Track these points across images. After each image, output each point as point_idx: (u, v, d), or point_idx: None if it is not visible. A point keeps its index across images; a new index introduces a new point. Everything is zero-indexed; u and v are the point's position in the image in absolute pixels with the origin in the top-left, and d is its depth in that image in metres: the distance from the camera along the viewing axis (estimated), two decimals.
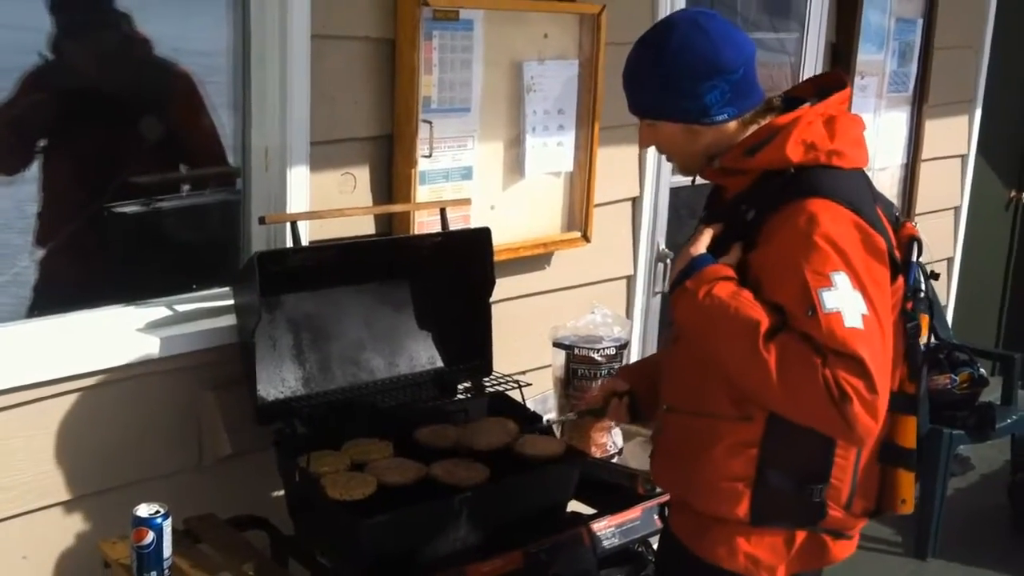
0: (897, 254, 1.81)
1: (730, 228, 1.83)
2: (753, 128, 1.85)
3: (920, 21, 4.19)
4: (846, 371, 1.66)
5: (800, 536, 1.87)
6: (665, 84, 1.84)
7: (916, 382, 1.87)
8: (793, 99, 1.89)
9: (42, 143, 2.32)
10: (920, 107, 4.27)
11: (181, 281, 2.33)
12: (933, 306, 2.03)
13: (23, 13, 2.17)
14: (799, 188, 1.76)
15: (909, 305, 1.84)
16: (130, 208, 2.33)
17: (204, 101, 2.47)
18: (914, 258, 1.85)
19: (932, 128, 4.35)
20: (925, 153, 4.36)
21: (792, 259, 1.72)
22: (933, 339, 3.63)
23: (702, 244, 1.83)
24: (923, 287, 1.88)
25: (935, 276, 1.99)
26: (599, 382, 2.43)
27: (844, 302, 1.68)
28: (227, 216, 2.41)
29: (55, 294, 2.23)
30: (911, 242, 1.86)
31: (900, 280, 1.81)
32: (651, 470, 2.06)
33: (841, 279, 1.69)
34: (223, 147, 2.47)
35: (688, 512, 1.93)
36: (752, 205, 1.80)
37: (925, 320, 1.90)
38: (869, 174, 1.93)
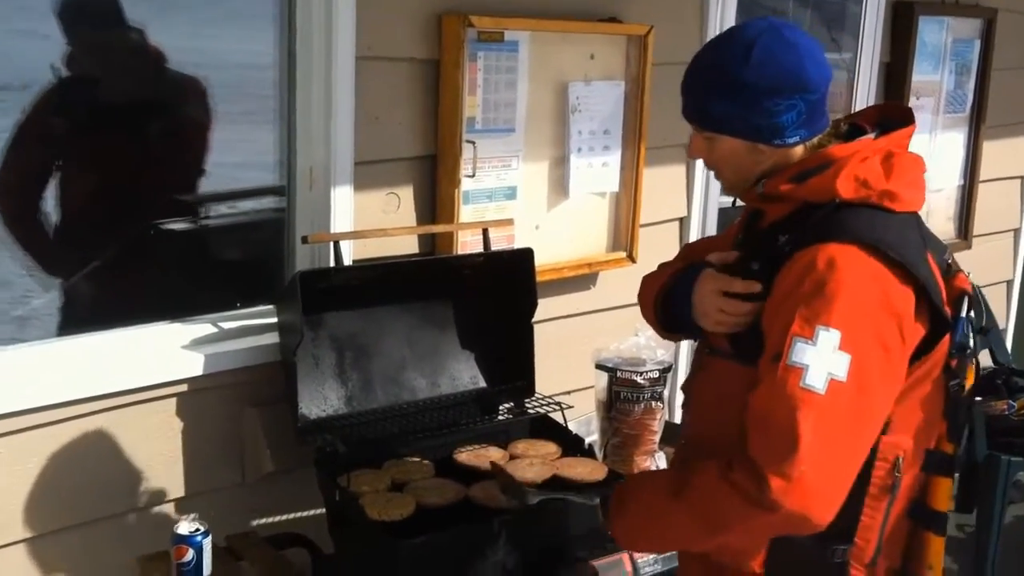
0: (947, 309, 1.65)
1: (762, 255, 1.71)
2: (808, 152, 1.71)
3: (978, 41, 4.11)
4: (764, 447, 1.53)
5: None
6: (740, 96, 1.66)
7: (955, 442, 1.73)
8: (856, 127, 1.76)
9: (60, 161, 2.34)
10: (978, 127, 4.18)
11: (225, 298, 2.36)
12: (991, 331, 1.91)
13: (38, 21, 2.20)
14: (838, 226, 1.62)
15: (954, 363, 1.68)
16: (176, 225, 2.36)
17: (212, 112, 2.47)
18: (963, 312, 1.68)
19: (990, 149, 4.26)
20: (983, 174, 4.27)
21: (792, 298, 1.60)
22: (992, 363, 3.55)
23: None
24: (970, 343, 1.70)
25: (984, 331, 1.79)
26: (641, 406, 2.40)
27: (816, 360, 1.53)
28: (272, 234, 2.43)
29: (99, 310, 2.26)
30: (961, 296, 1.69)
31: (946, 337, 1.66)
32: None
33: (827, 336, 1.54)
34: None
35: (702, 563, 1.81)
36: (789, 234, 1.67)
37: (971, 371, 1.75)
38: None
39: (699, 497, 1.62)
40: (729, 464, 1.57)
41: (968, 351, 1.70)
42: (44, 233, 2.33)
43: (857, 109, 3.69)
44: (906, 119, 1.76)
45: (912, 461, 1.71)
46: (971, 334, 1.71)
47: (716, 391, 1.77)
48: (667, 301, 1.90)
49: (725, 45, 1.72)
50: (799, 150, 1.71)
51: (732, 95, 1.67)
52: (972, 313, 1.70)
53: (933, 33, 3.89)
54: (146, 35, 2.32)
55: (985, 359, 1.85)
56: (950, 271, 1.73)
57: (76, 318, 2.18)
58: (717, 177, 1.84)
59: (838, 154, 1.68)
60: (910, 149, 1.76)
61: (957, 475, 1.83)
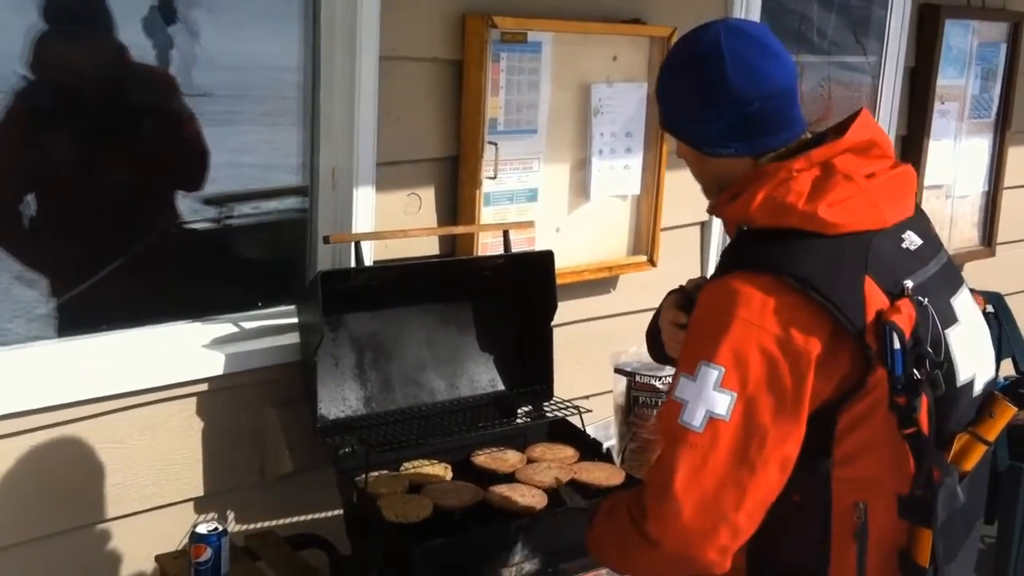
0: (870, 342, 1.48)
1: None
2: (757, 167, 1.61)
3: (1004, 45, 4.07)
4: (650, 483, 1.51)
5: None
6: (673, 103, 1.66)
7: (931, 491, 1.53)
8: (821, 138, 1.64)
9: (37, 165, 2.30)
10: (1003, 133, 4.14)
11: (247, 298, 2.36)
12: (1010, 335, 1.81)
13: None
14: (749, 255, 1.55)
15: (902, 400, 1.49)
16: (199, 225, 2.36)
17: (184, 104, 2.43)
18: (895, 346, 1.47)
19: (1015, 155, 4.22)
20: (1008, 180, 4.22)
21: (691, 332, 1.56)
22: (1014, 372, 3.51)
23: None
24: (917, 376, 1.49)
25: (940, 365, 1.53)
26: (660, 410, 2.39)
27: (696, 396, 1.47)
28: (294, 235, 2.43)
29: (122, 309, 2.27)
30: (887, 329, 1.47)
31: (881, 372, 1.49)
32: None
33: (707, 372, 1.47)
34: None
35: None
36: (720, 265, 1.60)
37: (924, 405, 1.52)
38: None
39: (615, 522, 1.59)
40: (636, 494, 1.55)
41: (918, 382, 1.49)
42: (26, 236, 2.30)
43: (881, 115, 3.68)
44: (849, 126, 1.61)
45: (879, 506, 1.56)
46: (916, 366, 1.49)
47: None
48: (654, 332, 1.87)
49: (671, 51, 1.71)
50: (755, 167, 1.61)
51: (668, 101, 1.68)
52: (911, 343, 1.48)
53: (959, 37, 3.86)
54: (113, 29, 2.28)
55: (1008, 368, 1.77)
56: (900, 296, 1.51)
57: (99, 317, 2.18)
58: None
59: (764, 171, 1.58)
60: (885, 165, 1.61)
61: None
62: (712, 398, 1.47)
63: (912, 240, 1.60)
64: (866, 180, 1.56)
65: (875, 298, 1.49)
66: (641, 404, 2.42)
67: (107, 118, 2.33)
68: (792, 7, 3.49)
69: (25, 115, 2.18)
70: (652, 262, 2.92)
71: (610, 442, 2.51)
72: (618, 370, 2.47)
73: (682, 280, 3.16)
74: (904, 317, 1.48)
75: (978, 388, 1.62)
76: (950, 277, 1.65)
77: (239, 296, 2.35)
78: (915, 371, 1.48)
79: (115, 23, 2.27)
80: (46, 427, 2.02)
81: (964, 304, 1.64)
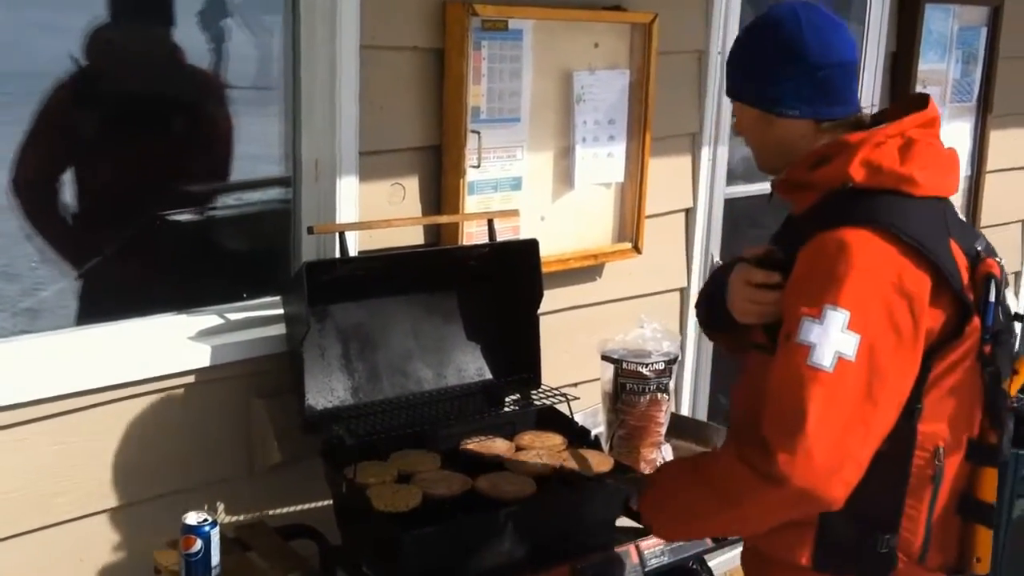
0: (969, 295, 1.67)
1: (787, 244, 1.76)
2: (828, 140, 1.77)
3: (984, 29, 4.09)
4: (774, 423, 1.58)
5: None
6: (747, 65, 1.83)
7: (999, 431, 1.73)
8: (879, 121, 1.80)
9: (77, 152, 2.33)
10: (984, 117, 4.17)
11: (232, 290, 2.35)
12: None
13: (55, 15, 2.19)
14: (852, 211, 1.67)
15: (987, 349, 1.69)
16: (183, 216, 2.35)
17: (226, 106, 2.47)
18: (992, 298, 1.68)
19: (997, 139, 4.25)
20: (990, 164, 4.25)
21: (805, 280, 1.65)
22: None
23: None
24: (1003, 329, 1.71)
25: (1019, 318, 1.82)
26: (647, 397, 2.39)
27: (824, 339, 1.58)
28: (278, 225, 2.42)
29: (107, 302, 2.26)
30: (988, 280, 1.69)
31: (975, 321, 1.67)
32: None
33: (834, 315, 1.58)
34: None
35: (755, 554, 1.88)
36: (811, 224, 1.71)
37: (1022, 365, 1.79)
38: None
39: (715, 472, 1.71)
40: (745, 442, 1.64)
41: (1007, 335, 1.70)
42: (65, 224, 2.32)
43: (863, 99, 3.69)
44: (921, 105, 1.79)
45: (953, 450, 1.72)
46: (1003, 318, 1.71)
47: (754, 386, 1.78)
48: (708, 299, 1.97)
49: (753, 21, 1.88)
50: (806, 127, 1.78)
51: (743, 65, 1.85)
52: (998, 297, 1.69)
53: (939, 21, 3.87)
54: (171, 30, 2.33)
55: None
56: (979, 258, 1.72)
57: (84, 310, 2.18)
58: (753, 155, 1.94)
59: (852, 139, 1.73)
60: (941, 141, 1.79)
61: None
62: (840, 339, 1.57)
63: (960, 215, 1.81)
64: (939, 150, 1.76)
65: (960, 257, 1.68)
66: (628, 391, 2.42)
67: (147, 112, 2.36)
68: None
69: (71, 99, 2.21)
70: (637, 249, 2.93)
71: (598, 429, 2.51)
72: (605, 357, 2.47)
73: (669, 267, 3.20)
74: (995, 272, 1.70)
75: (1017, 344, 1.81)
76: (993, 250, 1.81)
77: (224, 288, 2.34)
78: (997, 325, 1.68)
79: (174, 21, 2.32)
80: (33, 421, 2.01)
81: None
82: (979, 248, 1.73)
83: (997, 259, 1.74)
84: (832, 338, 1.58)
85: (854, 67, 1.82)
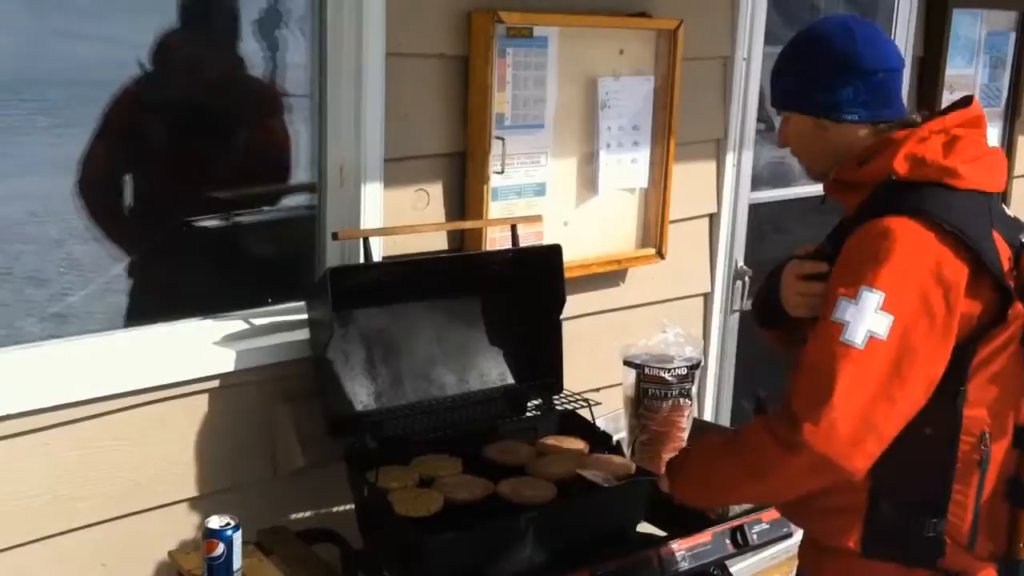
0: (1011, 282, 1.73)
1: (835, 239, 1.83)
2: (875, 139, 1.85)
3: (1013, 34, 4.05)
4: (802, 394, 1.67)
5: (917, 574, 1.82)
6: (803, 75, 1.89)
7: None
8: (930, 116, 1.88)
9: (137, 155, 2.36)
10: (1012, 122, 4.13)
11: (257, 295, 2.37)
12: None
13: (111, 27, 2.22)
14: (895, 201, 1.74)
15: None
16: (210, 222, 2.37)
17: (285, 118, 2.51)
18: None
19: None
20: (1018, 169, 4.21)
21: (846, 265, 1.73)
22: None
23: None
24: None
25: None
26: (669, 403, 2.39)
27: (857, 318, 1.65)
28: (303, 231, 2.44)
29: (135, 307, 2.28)
30: None
31: (1019, 307, 1.73)
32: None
33: (870, 296, 1.66)
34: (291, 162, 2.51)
35: (808, 541, 1.95)
36: (858, 218, 1.79)
37: None
38: None
39: (744, 443, 1.79)
40: (775, 414, 1.72)
41: None
42: (127, 223, 2.36)
43: None
44: (966, 105, 1.86)
45: (1000, 435, 1.78)
46: None
47: None
48: (763, 297, 2.03)
49: (799, 35, 1.95)
50: (862, 131, 1.86)
51: (798, 74, 1.91)
52: None
53: (967, 26, 3.84)
54: (236, 39, 2.37)
55: None
56: (1021, 247, 1.77)
57: (112, 314, 2.20)
58: (800, 163, 2.02)
59: (896, 136, 1.81)
60: (986, 139, 1.86)
61: None
62: (873, 319, 1.65)
63: (1008, 210, 1.86)
64: (983, 148, 1.82)
65: (1003, 247, 1.74)
66: (651, 396, 2.42)
67: (207, 123, 2.40)
68: None
69: (135, 102, 2.25)
70: (661, 254, 2.92)
71: (620, 434, 2.51)
72: (627, 362, 2.47)
73: (692, 272, 3.20)
74: None
75: None
76: None
77: (249, 293, 2.36)
78: None
79: (240, 34, 2.36)
80: (58, 425, 2.03)
81: None
82: (1023, 239, 1.79)
83: None
84: (866, 317, 1.65)
85: (902, 72, 1.91)
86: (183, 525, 2.16)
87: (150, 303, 2.29)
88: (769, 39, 3.18)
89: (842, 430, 1.63)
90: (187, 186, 2.37)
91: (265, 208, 2.47)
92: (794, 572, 2.13)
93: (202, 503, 2.19)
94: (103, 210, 2.26)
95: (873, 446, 1.66)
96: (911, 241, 1.68)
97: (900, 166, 1.77)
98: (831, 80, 1.85)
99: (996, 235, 1.74)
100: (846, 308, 1.67)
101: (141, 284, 2.28)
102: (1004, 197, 4.13)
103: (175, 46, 2.27)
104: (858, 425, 1.64)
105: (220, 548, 1.88)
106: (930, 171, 1.75)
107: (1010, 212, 1.88)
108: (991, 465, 1.77)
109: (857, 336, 1.65)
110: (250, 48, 2.38)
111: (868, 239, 1.72)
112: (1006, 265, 1.73)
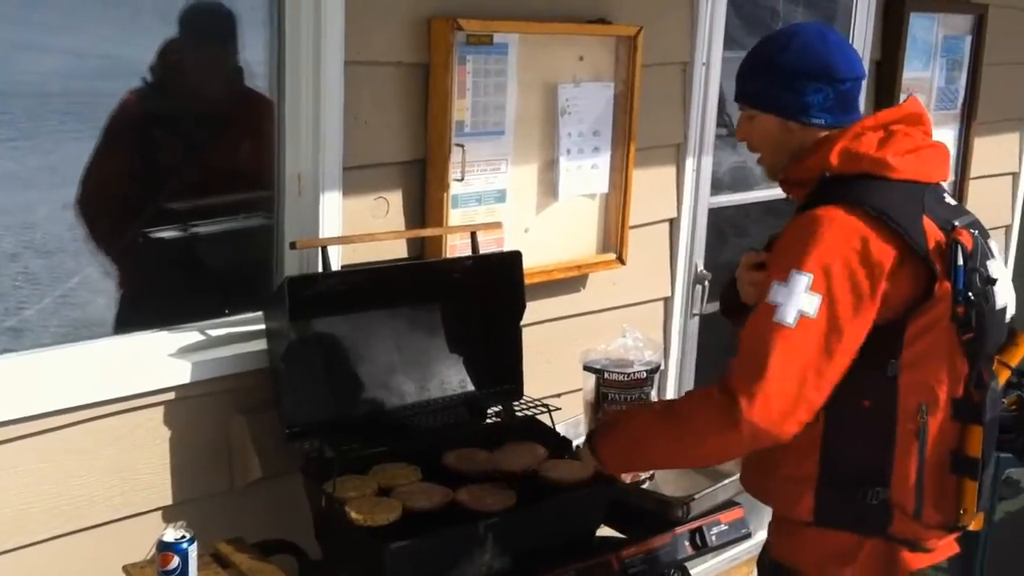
0: (937, 263, 1.83)
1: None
2: None
3: (968, 38, 4.11)
4: (738, 371, 1.78)
5: (869, 543, 1.92)
6: (775, 76, 1.96)
7: (981, 391, 1.89)
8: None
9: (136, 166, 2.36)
10: (969, 124, 4.19)
11: (214, 306, 2.35)
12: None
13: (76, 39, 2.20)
14: (828, 192, 1.86)
15: (961, 310, 1.84)
16: (166, 233, 2.35)
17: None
18: (960, 262, 1.83)
19: (981, 145, 4.27)
20: (974, 171, 4.27)
21: (779, 253, 1.86)
22: None
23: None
24: (979, 294, 1.85)
25: (992, 282, 1.93)
26: (628, 407, 2.41)
27: (788, 299, 1.78)
28: (260, 241, 2.42)
29: (90, 319, 2.26)
30: (954, 247, 1.84)
31: (946, 285, 1.83)
32: (740, 476, 2.17)
33: (799, 278, 1.78)
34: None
35: (774, 517, 2.06)
36: (799, 211, 1.91)
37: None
38: None
39: (682, 414, 1.92)
40: (710, 387, 1.84)
41: (977, 298, 1.83)
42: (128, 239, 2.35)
43: None
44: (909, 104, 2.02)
45: (936, 408, 1.88)
46: (980, 283, 1.85)
47: None
48: (728, 288, 2.17)
49: (772, 37, 2.04)
50: (823, 135, 1.95)
51: (769, 75, 1.98)
52: (969, 262, 1.83)
53: (924, 29, 3.89)
54: (235, 50, 2.38)
55: None
56: (953, 229, 1.86)
57: (67, 328, 2.18)
58: (759, 162, 2.10)
59: (832, 134, 1.93)
60: (928, 135, 1.99)
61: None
62: (803, 299, 1.78)
63: (950, 199, 1.99)
64: (918, 142, 1.93)
65: (932, 230, 1.84)
66: (610, 400, 2.43)
67: (200, 130, 2.43)
68: (760, 1, 3.51)
69: (137, 113, 2.27)
70: (621, 260, 2.94)
71: (580, 439, 2.52)
72: (587, 367, 2.48)
73: (653, 277, 3.22)
74: (965, 241, 1.84)
75: (1008, 316, 1.97)
76: (980, 226, 1.97)
77: (205, 304, 2.34)
78: (969, 288, 1.82)
79: (239, 44, 2.37)
80: (11, 440, 2.00)
81: (995, 247, 2.00)
82: (956, 223, 1.88)
83: (973, 232, 1.89)
84: (796, 298, 1.78)
85: (863, 81, 2.03)
86: (138, 539, 2.13)
87: (107, 316, 2.27)
88: (729, 44, 3.21)
89: (775, 404, 1.76)
90: (143, 196, 2.35)
91: (222, 218, 2.45)
92: (755, 573, 2.17)
93: (158, 516, 2.17)
94: (100, 227, 2.26)
95: (804, 414, 1.79)
96: (837, 226, 1.80)
97: (834, 159, 1.88)
98: (805, 85, 1.93)
99: (927, 220, 1.84)
100: (778, 290, 1.79)
101: (97, 297, 2.26)
102: (960, 198, 4.20)
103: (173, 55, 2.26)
104: (790, 398, 1.76)
105: (175, 561, 1.86)
106: (863, 164, 1.87)
107: (952, 200, 1.99)
108: (929, 437, 1.87)
109: (788, 316, 1.77)
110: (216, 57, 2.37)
111: (798, 227, 1.85)
112: (931, 245, 1.83)
